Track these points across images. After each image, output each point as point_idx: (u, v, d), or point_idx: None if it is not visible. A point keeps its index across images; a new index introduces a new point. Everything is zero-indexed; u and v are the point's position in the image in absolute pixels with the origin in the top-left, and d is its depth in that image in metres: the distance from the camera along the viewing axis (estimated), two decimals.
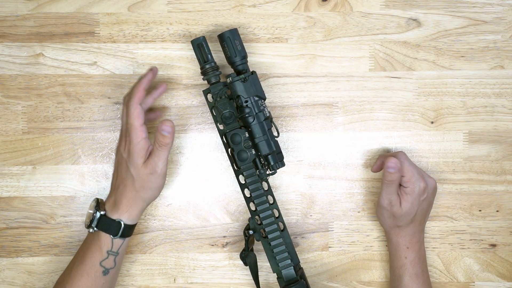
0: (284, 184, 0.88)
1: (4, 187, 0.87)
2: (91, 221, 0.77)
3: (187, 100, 0.87)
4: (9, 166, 0.87)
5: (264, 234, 0.82)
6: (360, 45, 0.87)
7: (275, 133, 0.83)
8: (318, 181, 0.88)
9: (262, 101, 0.80)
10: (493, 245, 0.89)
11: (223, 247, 0.89)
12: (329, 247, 0.89)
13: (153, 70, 0.81)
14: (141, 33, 0.86)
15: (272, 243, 0.81)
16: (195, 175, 0.88)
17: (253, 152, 0.80)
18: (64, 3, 0.86)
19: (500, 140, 0.88)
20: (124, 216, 0.77)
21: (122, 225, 0.77)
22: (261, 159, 0.80)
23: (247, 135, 0.80)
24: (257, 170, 0.81)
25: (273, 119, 0.85)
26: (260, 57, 0.87)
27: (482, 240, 0.89)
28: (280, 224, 0.82)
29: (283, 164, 0.81)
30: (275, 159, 0.80)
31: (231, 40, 0.79)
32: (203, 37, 0.80)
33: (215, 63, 0.80)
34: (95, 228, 0.77)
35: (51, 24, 0.86)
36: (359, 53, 0.87)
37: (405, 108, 0.88)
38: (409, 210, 0.80)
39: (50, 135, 0.87)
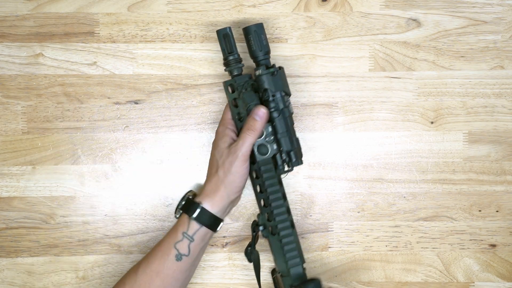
0: (284, 184, 0.88)
1: (3, 187, 0.87)
2: (178, 205, 0.79)
3: (187, 100, 0.87)
4: (9, 166, 0.87)
5: (272, 231, 0.80)
6: (360, 45, 0.87)
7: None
8: (318, 181, 0.88)
9: (288, 97, 0.80)
10: (493, 245, 0.89)
11: (223, 247, 0.89)
12: (329, 247, 0.89)
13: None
14: (141, 33, 0.86)
15: (283, 240, 0.79)
16: (195, 175, 0.88)
17: (275, 147, 0.79)
18: (64, 3, 0.86)
19: (500, 140, 0.88)
20: (206, 201, 0.77)
21: (199, 207, 0.76)
22: (283, 155, 0.79)
23: (270, 129, 0.79)
24: (275, 166, 0.80)
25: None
26: None
27: (482, 240, 0.89)
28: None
29: (301, 162, 0.80)
30: (297, 155, 0.79)
31: (257, 34, 0.78)
32: (229, 27, 0.79)
33: (238, 55, 0.79)
34: (180, 211, 0.78)
35: (51, 24, 0.86)
36: (359, 53, 0.87)
37: (405, 108, 0.88)
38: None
39: (49, 135, 0.87)
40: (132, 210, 0.88)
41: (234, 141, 0.78)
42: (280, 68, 0.79)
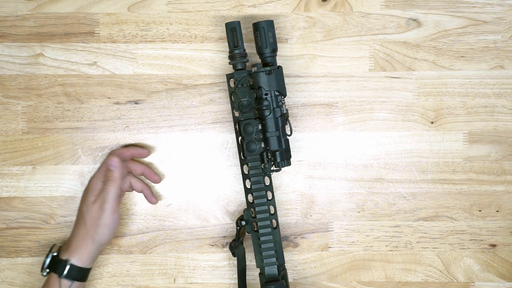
0: (284, 184, 0.88)
1: (4, 187, 0.87)
2: (43, 264, 0.80)
3: (187, 100, 0.87)
4: (9, 166, 0.87)
5: (256, 227, 0.82)
6: (360, 45, 0.87)
7: (288, 132, 0.83)
8: (318, 181, 0.88)
9: (282, 97, 0.80)
10: (493, 245, 0.89)
11: (223, 247, 0.89)
12: (329, 247, 0.89)
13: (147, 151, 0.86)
14: (141, 33, 0.86)
15: (262, 238, 0.81)
16: (195, 175, 0.88)
17: (263, 145, 0.80)
18: (64, 3, 0.86)
19: (500, 140, 0.88)
20: (73, 256, 0.78)
21: (68, 265, 0.78)
22: (269, 154, 0.80)
23: (260, 127, 0.80)
24: (262, 164, 0.80)
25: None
26: None
27: (482, 240, 0.89)
28: (274, 221, 0.82)
29: (289, 163, 0.80)
30: (282, 156, 0.80)
31: (264, 31, 0.79)
32: (238, 21, 0.80)
33: (244, 49, 0.80)
34: (47, 270, 0.79)
35: (51, 24, 0.86)
36: (359, 53, 0.87)
37: (405, 108, 0.88)
38: None
39: (50, 135, 0.87)
40: (132, 210, 0.88)
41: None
42: (279, 67, 0.80)
